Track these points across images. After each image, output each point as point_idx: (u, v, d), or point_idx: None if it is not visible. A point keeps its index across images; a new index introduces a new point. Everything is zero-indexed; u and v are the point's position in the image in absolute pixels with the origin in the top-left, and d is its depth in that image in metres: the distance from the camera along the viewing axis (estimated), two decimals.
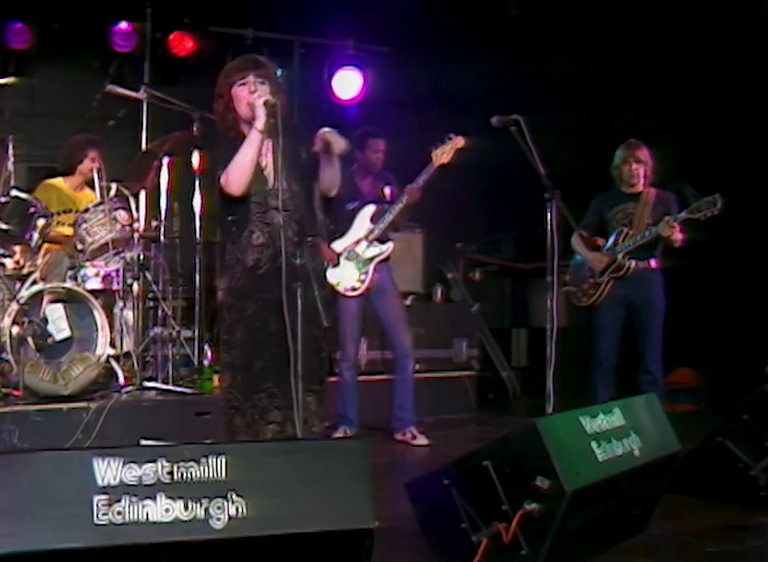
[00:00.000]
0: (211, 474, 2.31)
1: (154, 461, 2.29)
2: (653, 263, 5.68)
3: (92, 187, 5.83)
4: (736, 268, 7.39)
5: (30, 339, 4.96)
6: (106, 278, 5.49)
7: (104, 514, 2.21)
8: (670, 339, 5.86)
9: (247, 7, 7.77)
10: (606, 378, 5.77)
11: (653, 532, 3.60)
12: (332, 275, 5.72)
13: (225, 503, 2.29)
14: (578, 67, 7.76)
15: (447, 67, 8.31)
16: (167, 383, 5.49)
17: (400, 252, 7.23)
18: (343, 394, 5.91)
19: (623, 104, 7.47)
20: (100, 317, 5.15)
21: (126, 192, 5.41)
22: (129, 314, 5.65)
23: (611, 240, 5.72)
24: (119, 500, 2.23)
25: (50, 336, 5.08)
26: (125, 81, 7.04)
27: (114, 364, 5.25)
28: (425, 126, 7.94)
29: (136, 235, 5.37)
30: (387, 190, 5.87)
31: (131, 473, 2.26)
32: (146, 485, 2.26)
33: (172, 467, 2.29)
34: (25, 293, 5.06)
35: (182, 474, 2.29)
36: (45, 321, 5.10)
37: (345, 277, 5.74)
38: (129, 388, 5.25)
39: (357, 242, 5.77)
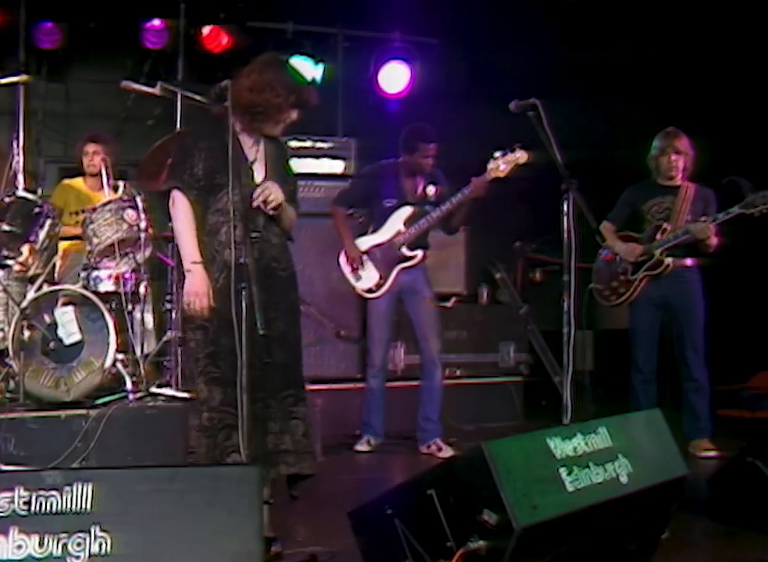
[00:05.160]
0: (73, 506, 2.03)
1: (11, 490, 2.03)
2: (689, 261, 5.32)
3: (109, 186, 5.66)
4: None
5: (38, 343, 4.84)
6: (117, 280, 5.30)
7: None
8: (750, 341, 5.40)
9: None
10: (646, 386, 5.43)
11: None
12: (352, 275, 5.42)
13: (87, 539, 2.02)
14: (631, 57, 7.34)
15: (498, 59, 7.91)
16: (178, 389, 5.25)
17: (441, 252, 6.90)
18: (369, 402, 5.62)
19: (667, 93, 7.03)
20: (110, 320, 4.97)
21: (134, 191, 5.21)
22: (146, 317, 5.47)
23: (648, 233, 5.32)
24: None
25: (57, 339, 4.93)
26: (159, 79, 6.86)
27: (121, 369, 5.06)
28: (475, 121, 7.57)
29: (143, 235, 5.14)
30: (431, 190, 5.45)
31: None
32: None
33: (30, 496, 2.03)
34: (28, 296, 4.93)
35: (40, 505, 2.03)
36: (55, 324, 4.96)
37: (364, 277, 5.42)
38: (135, 394, 5.03)
39: (382, 244, 5.43)
